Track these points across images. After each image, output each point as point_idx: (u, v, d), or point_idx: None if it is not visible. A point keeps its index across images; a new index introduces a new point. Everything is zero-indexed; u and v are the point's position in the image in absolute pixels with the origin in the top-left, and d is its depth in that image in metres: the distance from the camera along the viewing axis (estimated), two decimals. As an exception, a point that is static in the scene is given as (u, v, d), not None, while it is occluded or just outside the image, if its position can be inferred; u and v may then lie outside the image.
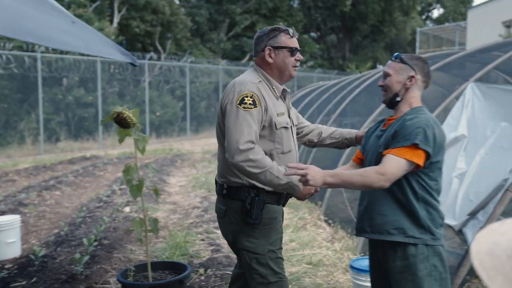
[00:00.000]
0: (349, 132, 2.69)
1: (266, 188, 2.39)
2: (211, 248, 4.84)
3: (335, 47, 36.02)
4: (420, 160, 2.03)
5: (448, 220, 3.91)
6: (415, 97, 2.24)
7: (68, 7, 15.67)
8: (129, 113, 2.60)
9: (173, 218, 6.25)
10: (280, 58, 2.42)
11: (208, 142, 16.91)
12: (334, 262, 4.42)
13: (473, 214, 3.44)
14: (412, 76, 2.20)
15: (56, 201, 7.30)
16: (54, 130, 14.43)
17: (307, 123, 2.80)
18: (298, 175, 2.06)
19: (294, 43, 2.43)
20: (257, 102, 2.31)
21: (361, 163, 2.42)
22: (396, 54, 2.28)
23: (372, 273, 2.39)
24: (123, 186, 8.09)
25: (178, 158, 12.28)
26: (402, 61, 2.23)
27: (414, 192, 2.10)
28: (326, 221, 5.79)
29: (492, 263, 0.92)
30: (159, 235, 5.39)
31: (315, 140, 2.76)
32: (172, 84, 18.93)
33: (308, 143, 2.80)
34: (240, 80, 2.40)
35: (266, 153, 2.32)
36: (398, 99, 2.23)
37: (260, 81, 2.41)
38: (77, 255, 4.30)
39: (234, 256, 4.57)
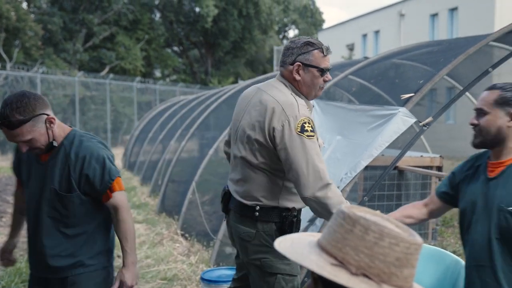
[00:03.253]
0: None
1: (298, 207, 2.31)
2: (58, 272, 4.52)
3: (198, 61, 36.47)
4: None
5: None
6: None
7: None
8: None
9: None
10: (308, 77, 2.25)
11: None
12: (189, 276, 4.44)
13: (311, 221, 3.74)
14: None
15: None
16: None
17: None
18: None
19: (326, 62, 2.25)
20: (315, 128, 2.17)
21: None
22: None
23: None
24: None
25: (26, 177, 11.24)
26: None
27: None
28: (183, 235, 5.79)
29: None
30: (-3, 263, 4.88)
31: None
32: (21, 96, 17.34)
33: None
34: (286, 100, 2.18)
35: None
36: None
37: (299, 98, 2.25)
38: None
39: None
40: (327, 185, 2.09)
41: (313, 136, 2.12)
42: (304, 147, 2.09)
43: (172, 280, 4.38)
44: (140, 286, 4.26)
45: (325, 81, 2.27)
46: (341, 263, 0.94)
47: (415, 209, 2.29)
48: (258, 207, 2.26)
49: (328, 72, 2.27)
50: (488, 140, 1.95)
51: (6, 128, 2.03)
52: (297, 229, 2.29)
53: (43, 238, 2.25)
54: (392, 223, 1.01)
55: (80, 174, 2.20)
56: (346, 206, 1.03)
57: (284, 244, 1.05)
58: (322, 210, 2.13)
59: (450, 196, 2.19)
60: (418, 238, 0.96)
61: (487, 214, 1.92)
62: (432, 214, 2.29)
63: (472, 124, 1.99)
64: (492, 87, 1.98)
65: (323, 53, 2.23)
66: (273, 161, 2.23)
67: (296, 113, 2.13)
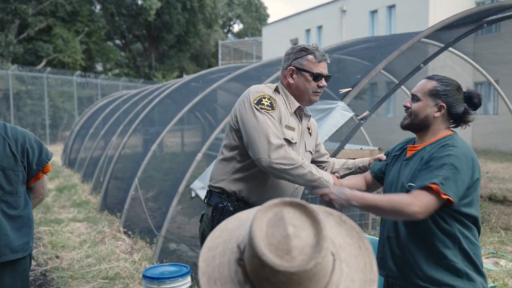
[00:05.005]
0: (362, 161, 2.61)
1: (243, 194, 2.27)
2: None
3: (141, 55, 35.66)
4: None
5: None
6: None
7: None
8: None
9: None
10: (301, 81, 2.31)
11: None
12: (131, 274, 4.36)
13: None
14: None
15: None
16: None
17: (326, 158, 2.68)
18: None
19: (319, 68, 2.30)
20: (274, 105, 2.21)
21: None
22: None
23: None
24: None
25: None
26: None
27: None
28: (125, 232, 5.67)
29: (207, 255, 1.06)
30: None
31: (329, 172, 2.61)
32: None
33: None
34: (256, 85, 2.32)
35: None
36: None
37: (276, 92, 2.30)
38: None
39: None
40: (279, 145, 2.13)
41: (268, 110, 2.19)
42: (257, 117, 2.16)
43: (114, 279, 4.28)
44: (80, 286, 4.14)
45: (319, 87, 2.32)
46: None
47: (356, 180, 2.40)
48: (208, 189, 2.37)
49: (323, 78, 2.32)
50: (414, 124, 2.09)
51: None
52: (223, 219, 2.24)
53: None
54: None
55: (22, 150, 2.43)
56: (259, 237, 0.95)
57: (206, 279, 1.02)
58: (278, 173, 2.17)
59: (382, 173, 2.31)
60: (287, 265, 0.90)
61: (395, 190, 2.09)
62: (369, 187, 2.40)
63: (405, 106, 2.12)
64: (431, 77, 2.10)
65: (316, 58, 2.29)
66: (233, 139, 2.31)
67: (258, 90, 2.26)
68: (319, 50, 2.33)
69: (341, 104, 3.62)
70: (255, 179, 2.29)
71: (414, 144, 2.17)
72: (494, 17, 4.25)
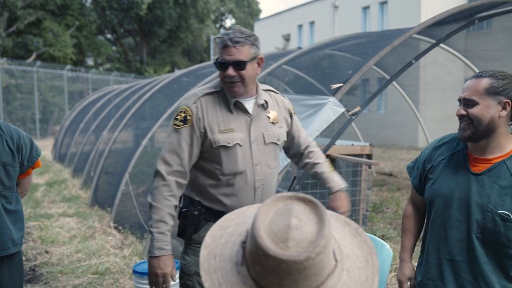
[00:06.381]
0: (331, 186, 2.41)
1: (207, 204, 2.18)
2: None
3: (133, 50, 35.41)
4: None
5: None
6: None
7: None
8: None
9: None
10: (220, 73, 2.09)
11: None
12: (121, 269, 4.34)
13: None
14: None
15: None
16: None
17: (311, 148, 2.46)
18: None
19: (223, 55, 2.02)
20: (188, 119, 2.09)
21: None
22: None
23: None
24: None
25: None
26: None
27: None
28: (116, 227, 5.65)
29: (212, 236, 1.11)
30: None
31: (308, 170, 2.49)
32: None
33: (303, 167, 2.52)
34: (188, 93, 2.25)
35: (209, 174, 2.14)
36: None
37: (207, 93, 2.13)
38: None
39: None
40: (158, 173, 2.10)
41: (178, 126, 2.10)
42: (168, 133, 2.15)
43: (104, 274, 4.26)
44: (70, 281, 4.11)
45: (225, 76, 2.05)
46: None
47: (412, 225, 2.15)
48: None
49: (231, 67, 2.02)
50: (479, 132, 1.77)
51: None
52: (190, 224, 2.20)
53: None
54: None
55: (18, 146, 2.49)
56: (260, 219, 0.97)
57: (208, 264, 1.04)
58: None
59: (422, 187, 2.06)
60: (283, 253, 0.92)
61: (467, 211, 1.81)
62: (423, 212, 2.10)
63: (459, 115, 1.81)
64: (480, 76, 1.80)
65: (218, 45, 2.06)
66: None
67: (182, 102, 2.18)
68: (232, 33, 2.01)
69: (332, 99, 3.62)
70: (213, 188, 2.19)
71: (472, 153, 1.86)
72: (486, 13, 4.27)
